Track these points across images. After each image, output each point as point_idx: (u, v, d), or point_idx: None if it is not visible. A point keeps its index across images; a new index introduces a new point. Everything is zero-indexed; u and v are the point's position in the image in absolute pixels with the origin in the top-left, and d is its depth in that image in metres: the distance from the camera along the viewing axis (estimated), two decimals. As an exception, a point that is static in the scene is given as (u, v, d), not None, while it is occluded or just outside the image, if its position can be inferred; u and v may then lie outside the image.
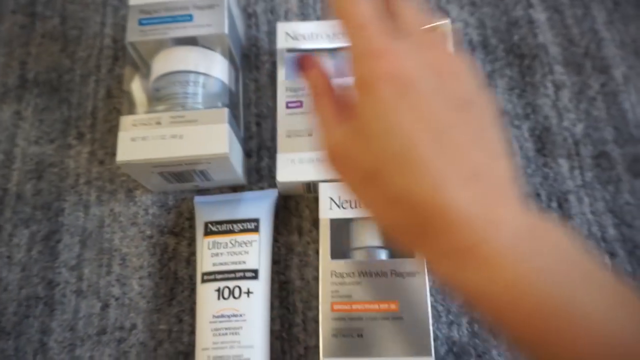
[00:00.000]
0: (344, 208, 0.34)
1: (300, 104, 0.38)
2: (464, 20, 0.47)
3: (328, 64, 0.37)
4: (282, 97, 0.38)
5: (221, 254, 0.34)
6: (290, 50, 0.40)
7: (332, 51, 0.40)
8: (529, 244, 0.19)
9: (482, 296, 0.20)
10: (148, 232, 0.40)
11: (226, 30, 0.37)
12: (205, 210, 0.37)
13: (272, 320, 0.37)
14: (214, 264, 0.34)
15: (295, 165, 0.36)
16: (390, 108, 0.20)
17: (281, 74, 0.39)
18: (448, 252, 0.20)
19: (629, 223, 0.40)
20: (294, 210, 0.40)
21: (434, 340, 0.36)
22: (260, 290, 0.34)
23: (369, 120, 0.20)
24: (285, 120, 0.37)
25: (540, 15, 0.47)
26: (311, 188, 0.38)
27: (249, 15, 0.48)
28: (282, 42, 0.40)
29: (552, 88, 0.44)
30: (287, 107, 0.38)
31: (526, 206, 0.21)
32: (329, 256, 0.33)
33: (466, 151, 0.20)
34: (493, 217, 0.19)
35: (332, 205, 0.34)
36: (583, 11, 0.47)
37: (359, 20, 0.21)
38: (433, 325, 0.37)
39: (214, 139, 0.34)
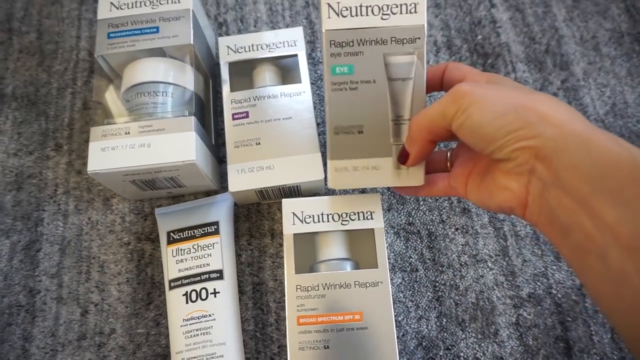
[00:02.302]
0: (307, 223, 0.35)
1: (246, 115, 0.39)
2: (429, 22, 0.48)
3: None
4: (228, 109, 0.39)
5: (185, 259, 0.36)
6: (232, 63, 0.41)
7: (272, 60, 0.41)
8: None
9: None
10: (125, 239, 0.41)
11: (191, 41, 0.38)
12: (167, 220, 0.38)
13: (247, 320, 0.38)
14: (180, 270, 0.35)
15: (245, 174, 0.37)
16: None
17: (226, 87, 0.40)
18: None
19: (591, 214, 0.41)
20: (266, 214, 0.41)
21: (403, 335, 0.38)
22: (226, 288, 0.35)
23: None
24: (233, 132, 0.38)
25: (502, 15, 0.48)
26: (265, 195, 0.39)
27: (219, 25, 0.49)
28: (225, 56, 0.41)
29: (515, 85, 0.45)
30: (234, 118, 0.39)
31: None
32: (293, 271, 0.34)
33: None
34: None
35: (295, 220, 0.35)
36: (543, 9, 0.48)
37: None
38: (402, 320, 0.38)
39: (181, 147, 0.35)
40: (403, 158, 0.31)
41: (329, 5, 0.30)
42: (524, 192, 0.25)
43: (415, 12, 0.30)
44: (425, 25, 0.30)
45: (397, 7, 0.30)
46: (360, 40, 0.30)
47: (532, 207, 0.25)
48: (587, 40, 0.47)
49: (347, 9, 0.30)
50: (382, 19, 0.30)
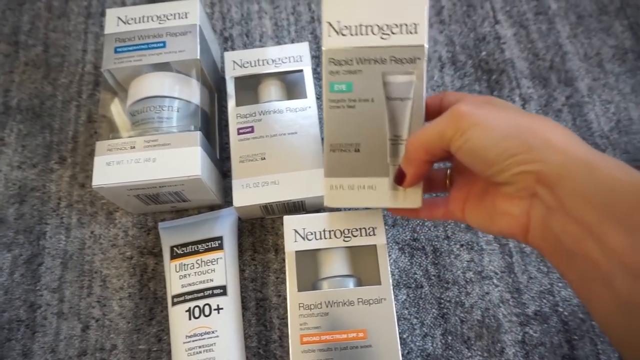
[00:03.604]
0: (308, 240, 0.35)
1: (251, 129, 0.39)
2: (433, 38, 0.48)
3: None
4: (234, 124, 0.39)
5: (189, 274, 0.35)
6: (238, 78, 0.41)
7: (278, 75, 0.41)
8: None
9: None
10: (128, 253, 0.41)
11: (198, 56, 0.38)
12: (170, 235, 0.38)
13: (249, 337, 0.38)
14: (183, 286, 0.35)
15: (250, 189, 0.37)
16: None
17: (231, 102, 0.40)
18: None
19: (597, 231, 0.41)
20: (270, 229, 0.41)
21: (408, 353, 0.37)
22: (230, 305, 0.35)
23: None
24: (238, 146, 0.38)
25: (506, 31, 0.49)
26: (269, 210, 0.39)
27: (225, 40, 0.49)
28: (230, 71, 0.41)
29: (519, 101, 0.46)
30: (239, 133, 0.39)
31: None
32: (295, 289, 0.33)
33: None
34: None
35: (296, 237, 0.35)
36: (547, 26, 0.49)
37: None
38: (407, 337, 0.37)
39: (186, 162, 0.35)
40: (399, 179, 0.30)
41: (330, 23, 0.30)
42: (525, 217, 0.25)
43: (416, 32, 0.30)
44: (426, 46, 0.30)
45: (397, 27, 0.30)
46: (360, 59, 0.30)
47: (534, 233, 0.25)
48: (591, 57, 0.47)
49: (347, 28, 0.30)
50: (381, 38, 0.30)
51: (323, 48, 0.30)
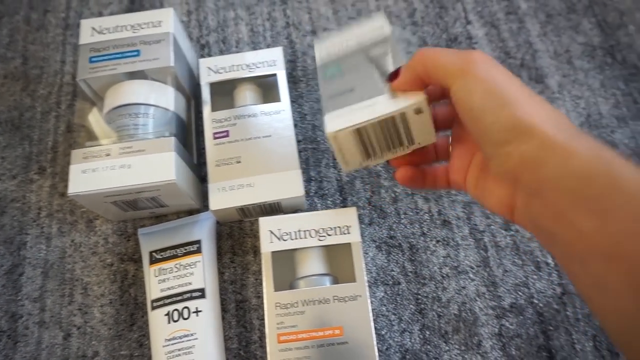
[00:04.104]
0: (284, 240, 0.35)
1: (226, 134, 0.39)
2: (407, 39, 0.49)
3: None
4: (209, 129, 0.40)
5: (167, 279, 0.36)
6: (213, 84, 0.42)
7: (253, 79, 0.42)
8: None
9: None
10: (108, 260, 0.41)
11: (172, 63, 0.39)
12: (149, 240, 0.39)
13: (230, 339, 0.38)
14: (162, 290, 0.35)
15: (226, 192, 0.37)
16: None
17: (207, 107, 0.41)
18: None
19: (570, 223, 0.42)
20: (248, 231, 0.42)
21: (387, 349, 0.38)
22: (208, 307, 0.35)
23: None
24: (213, 151, 0.39)
25: (478, 31, 0.50)
26: (247, 213, 0.39)
27: (201, 46, 0.50)
28: (205, 77, 0.42)
29: (492, 99, 0.46)
30: (214, 137, 0.39)
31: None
32: (272, 289, 0.34)
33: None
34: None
35: (272, 238, 0.35)
36: (518, 25, 0.50)
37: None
38: (385, 334, 0.38)
39: (161, 167, 0.36)
40: (392, 75, 0.29)
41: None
42: (511, 199, 0.26)
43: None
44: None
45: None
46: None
47: (519, 214, 0.26)
48: (560, 54, 0.48)
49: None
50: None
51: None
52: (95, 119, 0.41)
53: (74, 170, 0.36)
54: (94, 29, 0.41)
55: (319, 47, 0.34)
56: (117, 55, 0.39)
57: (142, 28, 0.41)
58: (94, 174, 0.35)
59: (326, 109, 0.31)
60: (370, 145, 0.30)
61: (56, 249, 0.42)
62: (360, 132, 0.29)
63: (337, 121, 0.30)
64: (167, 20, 0.41)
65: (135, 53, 0.39)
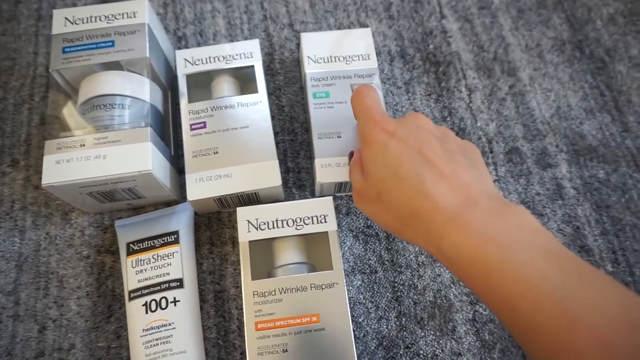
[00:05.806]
0: (261, 230, 0.36)
1: (203, 125, 0.39)
2: (383, 32, 0.50)
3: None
4: (186, 120, 0.40)
5: (145, 269, 0.36)
6: (190, 75, 0.42)
7: (230, 71, 0.43)
8: (491, 219, 0.26)
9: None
10: (85, 253, 0.41)
11: (147, 54, 0.39)
12: (126, 232, 0.39)
13: (209, 328, 0.38)
14: (139, 281, 0.35)
15: (204, 182, 0.37)
16: (380, 151, 0.30)
17: (183, 99, 0.41)
18: (431, 231, 0.28)
19: (540, 212, 0.43)
20: (227, 222, 0.42)
21: (364, 336, 0.38)
22: (186, 297, 0.35)
23: (367, 161, 0.32)
24: (191, 142, 0.39)
25: (452, 25, 0.51)
26: (224, 203, 0.39)
27: (178, 39, 0.50)
28: (182, 69, 0.42)
29: (465, 92, 0.48)
30: (191, 129, 0.39)
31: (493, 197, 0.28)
32: (250, 277, 0.34)
33: (437, 164, 0.29)
34: (467, 201, 0.28)
35: (250, 228, 0.36)
36: (491, 20, 0.51)
37: (369, 107, 0.33)
38: (363, 321, 0.39)
39: (137, 157, 0.35)
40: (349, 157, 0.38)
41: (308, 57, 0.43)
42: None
43: (369, 59, 0.43)
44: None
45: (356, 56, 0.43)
46: (332, 76, 0.43)
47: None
48: (532, 48, 0.50)
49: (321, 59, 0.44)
50: (346, 63, 0.44)
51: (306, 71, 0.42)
52: (68, 111, 0.40)
53: (48, 160, 0.35)
54: (67, 19, 0.40)
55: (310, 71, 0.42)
56: (91, 46, 0.39)
57: (117, 19, 0.40)
58: (68, 165, 0.35)
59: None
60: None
61: (30, 242, 0.41)
62: None
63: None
64: (141, 11, 0.40)
65: (110, 44, 0.39)
